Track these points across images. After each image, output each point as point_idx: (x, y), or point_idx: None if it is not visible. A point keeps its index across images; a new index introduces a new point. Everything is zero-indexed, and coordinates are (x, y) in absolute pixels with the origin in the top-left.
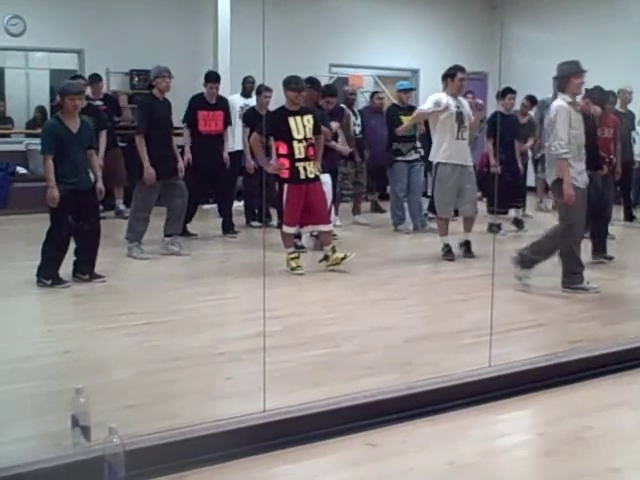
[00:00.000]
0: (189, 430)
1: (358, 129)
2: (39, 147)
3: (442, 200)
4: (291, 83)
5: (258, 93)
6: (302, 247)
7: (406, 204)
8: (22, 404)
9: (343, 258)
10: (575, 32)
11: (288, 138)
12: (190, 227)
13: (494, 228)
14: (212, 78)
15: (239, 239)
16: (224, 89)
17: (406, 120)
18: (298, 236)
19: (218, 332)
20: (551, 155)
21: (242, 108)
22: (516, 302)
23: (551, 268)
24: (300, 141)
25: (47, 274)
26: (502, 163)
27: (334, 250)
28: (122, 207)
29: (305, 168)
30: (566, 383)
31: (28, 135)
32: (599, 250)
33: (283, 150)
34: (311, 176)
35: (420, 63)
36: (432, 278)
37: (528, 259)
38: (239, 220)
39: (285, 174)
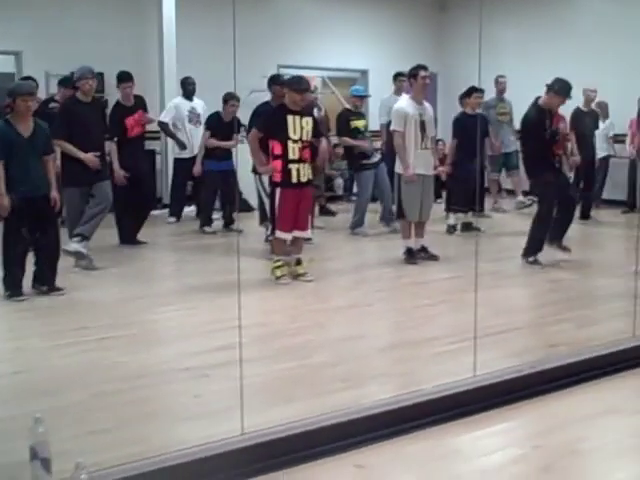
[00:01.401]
0: (163, 458)
1: None
2: None
3: (410, 205)
4: (294, 84)
5: (225, 101)
6: None
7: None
8: None
9: (301, 275)
10: (532, 30)
11: (284, 137)
12: (139, 234)
13: (450, 229)
14: (124, 78)
15: (192, 244)
16: (170, 91)
17: (360, 124)
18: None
19: (180, 346)
20: None
21: (190, 112)
22: (486, 305)
23: (518, 269)
24: (295, 142)
25: (8, 286)
26: (463, 164)
27: (299, 262)
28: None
29: (298, 170)
30: (550, 391)
31: None
32: (556, 238)
33: (277, 151)
34: (304, 180)
35: (369, 64)
36: (397, 283)
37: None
38: (192, 225)
39: (277, 177)
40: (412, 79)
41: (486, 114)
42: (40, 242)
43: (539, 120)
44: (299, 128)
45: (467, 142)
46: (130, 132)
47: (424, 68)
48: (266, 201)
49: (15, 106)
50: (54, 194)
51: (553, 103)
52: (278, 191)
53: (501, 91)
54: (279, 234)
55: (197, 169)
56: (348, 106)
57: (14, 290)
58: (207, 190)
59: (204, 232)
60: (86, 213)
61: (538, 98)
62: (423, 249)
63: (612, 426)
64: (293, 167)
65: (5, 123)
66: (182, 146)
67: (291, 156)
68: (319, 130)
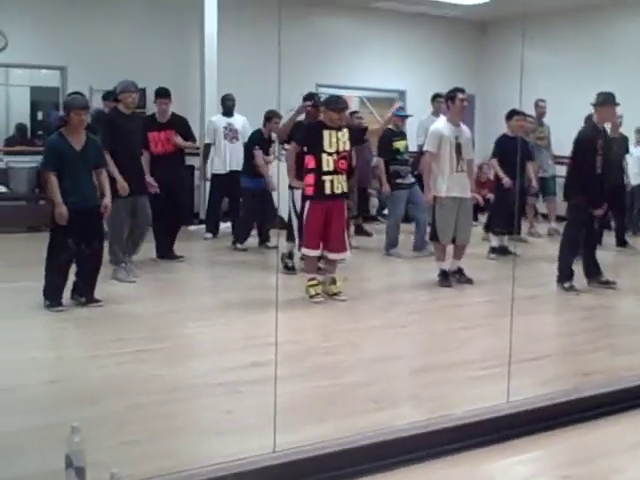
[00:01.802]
0: (194, 473)
1: None
2: (18, 165)
3: (444, 228)
4: (331, 103)
5: (268, 119)
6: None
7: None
8: (8, 440)
9: (335, 294)
10: (571, 53)
11: (319, 150)
12: (176, 249)
13: (492, 251)
14: (161, 94)
15: (228, 260)
16: (211, 107)
17: (400, 145)
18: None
19: (213, 361)
20: None
21: (226, 128)
22: (520, 331)
23: (553, 295)
24: (330, 154)
25: (48, 296)
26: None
27: (334, 281)
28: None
29: (332, 182)
30: (584, 420)
31: (7, 153)
32: (591, 273)
33: (311, 165)
34: (337, 191)
35: (407, 84)
36: (431, 305)
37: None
38: (228, 241)
39: (309, 191)
40: (449, 101)
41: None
42: (84, 254)
43: (593, 138)
44: (335, 140)
45: (508, 164)
46: (154, 148)
47: (462, 91)
48: (295, 220)
49: (69, 119)
50: (106, 201)
51: (605, 116)
52: (307, 204)
53: (540, 115)
54: (305, 251)
55: (271, 185)
56: (390, 126)
57: (54, 300)
58: (245, 208)
59: (236, 249)
60: (131, 239)
61: (590, 116)
62: (459, 271)
63: None
64: (327, 179)
65: (58, 136)
66: (207, 178)
67: (325, 168)
68: (359, 137)
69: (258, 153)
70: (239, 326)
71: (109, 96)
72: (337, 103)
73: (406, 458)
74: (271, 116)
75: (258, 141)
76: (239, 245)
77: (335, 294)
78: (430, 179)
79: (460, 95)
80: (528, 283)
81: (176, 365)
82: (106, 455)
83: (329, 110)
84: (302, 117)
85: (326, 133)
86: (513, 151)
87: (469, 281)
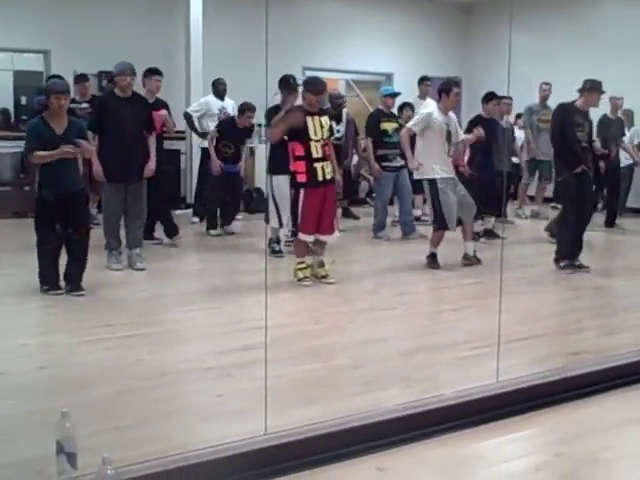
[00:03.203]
0: (186, 456)
1: (341, 134)
2: (2, 150)
3: (450, 215)
4: (309, 84)
5: (241, 112)
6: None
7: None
8: None
9: (324, 277)
10: (558, 36)
11: (305, 139)
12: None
13: (475, 236)
14: (158, 72)
15: (215, 244)
16: (196, 90)
17: (389, 127)
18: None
19: (203, 345)
20: None
21: (220, 111)
22: (509, 312)
23: (541, 276)
24: (317, 141)
25: (43, 280)
26: (483, 168)
27: (322, 264)
28: (94, 211)
29: (323, 169)
30: (574, 398)
31: None
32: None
33: (299, 151)
34: (328, 177)
35: (394, 67)
36: (419, 287)
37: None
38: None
39: (302, 178)
40: (444, 93)
41: (528, 119)
42: (69, 239)
43: (568, 113)
44: (319, 128)
45: (482, 146)
46: None
47: (457, 84)
48: (272, 204)
49: (50, 103)
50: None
51: (589, 103)
52: (302, 192)
53: (544, 98)
54: (302, 236)
55: (215, 168)
56: (380, 106)
57: (50, 284)
58: (211, 190)
59: (210, 235)
60: (131, 230)
61: (574, 102)
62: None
63: (636, 436)
64: (318, 166)
65: (40, 119)
66: (202, 135)
67: (315, 155)
68: (333, 128)
69: (213, 134)
70: (228, 310)
71: (79, 80)
72: (315, 85)
73: (397, 439)
74: (244, 109)
75: (229, 129)
76: (212, 231)
77: (324, 277)
78: (408, 149)
79: (455, 89)
80: (516, 264)
81: (166, 350)
82: (97, 440)
83: (307, 92)
84: (278, 99)
85: (309, 120)
86: (489, 134)
87: (479, 261)
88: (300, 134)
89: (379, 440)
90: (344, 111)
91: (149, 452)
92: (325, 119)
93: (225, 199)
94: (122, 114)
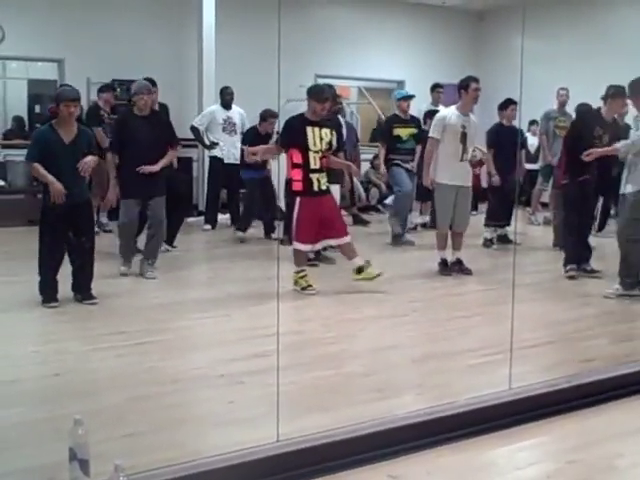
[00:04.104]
0: (198, 463)
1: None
2: (16, 158)
3: (442, 214)
4: (313, 93)
5: (263, 119)
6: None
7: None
8: (8, 433)
9: (378, 275)
10: (570, 41)
11: (304, 148)
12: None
13: (487, 243)
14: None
15: (228, 252)
16: (208, 98)
17: (403, 132)
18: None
19: (215, 352)
20: None
21: (225, 121)
22: (520, 318)
23: (553, 282)
24: (316, 152)
25: (42, 292)
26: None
27: (369, 263)
28: (104, 220)
29: (319, 180)
30: (587, 406)
31: (4, 146)
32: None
33: (297, 159)
34: (324, 188)
35: (406, 74)
36: (430, 294)
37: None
38: (227, 233)
39: (298, 186)
40: (463, 90)
41: (544, 125)
42: (74, 249)
43: (590, 124)
44: (319, 140)
45: (503, 154)
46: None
47: (475, 80)
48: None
49: (59, 111)
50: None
51: (614, 110)
52: (298, 200)
53: (562, 103)
54: (297, 245)
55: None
56: (397, 112)
57: (48, 296)
58: (247, 198)
59: (238, 237)
60: (150, 242)
61: (582, 105)
62: (458, 262)
63: None
64: (314, 177)
65: (48, 127)
66: (209, 147)
67: (312, 166)
68: (339, 144)
69: (245, 150)
70: (240, 317)
71: (105, 89)
72: (321, 93)
73: (409, 446)
74: (266, 116)
75: (252, 139)
76: (240, 233)
77: (378, 275)
78: (431, 166)
79: (474, 84)
80: (527, 270)
81: (177, 357)
82: (109, 447)
83: (312, 100)
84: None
85: (309, 130)
86: (510, 141)
87: (468, 272)
88: (299, 143)
89: (391, 447)
90: (342, 119)
91: (161, 459)
92: (326, 131)
93: (262, 204)
94: (141, 133)
